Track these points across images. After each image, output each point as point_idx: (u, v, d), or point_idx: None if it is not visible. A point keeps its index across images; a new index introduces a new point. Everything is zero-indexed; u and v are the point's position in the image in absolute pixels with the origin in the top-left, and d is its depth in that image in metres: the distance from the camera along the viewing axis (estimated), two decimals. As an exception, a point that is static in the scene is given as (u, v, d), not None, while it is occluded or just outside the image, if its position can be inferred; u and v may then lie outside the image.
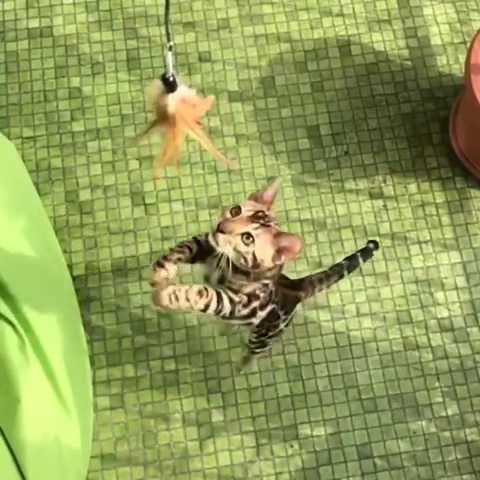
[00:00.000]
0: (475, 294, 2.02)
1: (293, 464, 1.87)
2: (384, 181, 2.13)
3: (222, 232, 1.23)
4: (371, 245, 1.72)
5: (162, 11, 0.89)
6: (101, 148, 2.12)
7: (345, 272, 1.64)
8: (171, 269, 1.32)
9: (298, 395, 1.92)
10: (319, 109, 2.19)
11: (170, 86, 0.95)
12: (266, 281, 1.35)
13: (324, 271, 1.64)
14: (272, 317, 1.47)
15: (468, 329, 1.99)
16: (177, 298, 1.25)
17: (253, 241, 1.24)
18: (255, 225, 1.25)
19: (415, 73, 2.24)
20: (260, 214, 1.28)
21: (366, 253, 1.70)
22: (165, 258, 1.33)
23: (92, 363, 1.90)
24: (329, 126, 2.17)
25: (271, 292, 1.40)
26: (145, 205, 2.07)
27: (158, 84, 0.97)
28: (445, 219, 2.09)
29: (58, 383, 1.44)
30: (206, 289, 1.29)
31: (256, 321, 1.43)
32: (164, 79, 0.94)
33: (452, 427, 1.91)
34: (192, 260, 1.38)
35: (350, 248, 2.04)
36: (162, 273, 1.31)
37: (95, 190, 2.08)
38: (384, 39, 2.28)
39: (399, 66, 2.25)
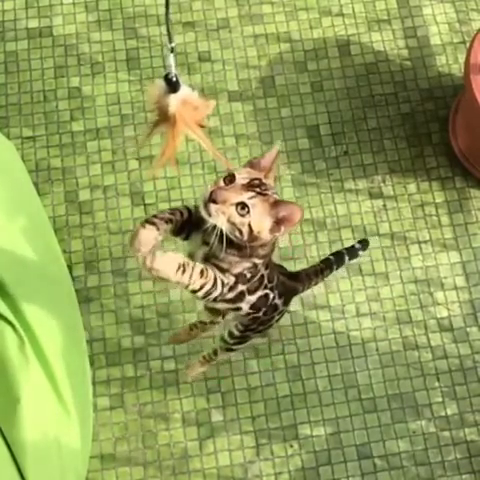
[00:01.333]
0: (474, 294, 2.02)
1: (293, 464, 1.87)
2: (383, 181, 2.13)
3: (214, 202, 1.13)
4: (357, 245, 1.72)
5: (162, 11, 0.90)
6: (101, 148, 2.12)
7: (334, 267, 1.64)
8: (162, 229, 1.18)
9: (298, 395, 1.92)
10: (319, 109, 2.19)
11: (172, 86, 0.95)
12: (257, 261, 1.25)
13: (317, 265, 1.63)
14: (270, 309, 1.40)
15: (467, 329, 1.99)
16: (184, 272, 1.15)
17: (248, 212, 1.14)
18: (251, 194, 1.15)
19: (414, 73, 2.24)
20: (256, 182, 1.18)
21: (352, 253, 1.70)
22: (155, 216, 1.20)
23: (92, 363, 1.90)
24: (329, 126, 2.17)
25: (262, 276, 1.31)
26: (145, 205, 2.07)
27: (160, 84, 0.97)
28: (444, 219, 2.09)
29: (58, 383, 1.43)
30: (206, 269, 1.19)
31: (245, 307, 1.33)
32: (167, 79, 0.94)
33: (451, 427, 1.91)
34: (178, 231, 1.26)
35: (350, 248, 2.05)
36: (152, 233, 1.17)
37: (95, 190, 2.08)
38: (383, 39, 2.28)
39: (398, 66, 2.25)
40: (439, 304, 2.01)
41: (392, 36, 2.28)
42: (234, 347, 1.58)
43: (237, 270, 1.24)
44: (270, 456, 1.88)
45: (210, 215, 1.14)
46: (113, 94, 2.18)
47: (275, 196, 1.19)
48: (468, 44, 1.98)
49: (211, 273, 1.21)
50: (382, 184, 2.12)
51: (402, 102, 2.21)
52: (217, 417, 1.90)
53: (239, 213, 1.14)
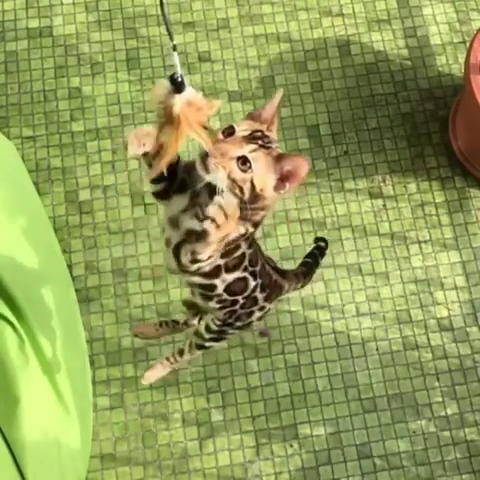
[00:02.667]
0: (474, 294, 2.02)
1: (293, 464, 1.87)
2: (383, 181, 2.13)
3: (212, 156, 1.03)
4: (323, 244, 1.68)
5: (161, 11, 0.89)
6: (101, 148, 2.12)
7: (314, 269, 1.60)
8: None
9: (298, 395, 1.92)
10: (319, 109, 2.19)
11: (177, 87, 0.94)
12: (251, 229, 1.15)
13: (301, 267, 1.59)
14: (249, 301, 1.31)
15: (467, 329, 1.99)
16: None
17: (250, 167, 1.04)
18: (252, 147, 1.05)
19: (414, 73, 2.24)
20: (258, 134, 1.08)
21: (322, 253, 1.67)
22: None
23: (92, 363, 1.90)
24: (328, 126, 2.17)
25: (243, 255, 1.21)
26: (145, 205, 2.07)
27: (165, 84, 0.96)
28: (444, 219, 2.09)
29: (58, 383, 1.44)
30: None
31: (220, 286, 1.23)
32: (172, 79, 0.93)
33: (451, 427, 1.91)
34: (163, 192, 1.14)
35: (350, 248, 2.04)
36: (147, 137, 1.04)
37: (95, 190, 2.08)
38: (383, 39, 2.28)
39: (398, 66, 2.25)
40: (439, 304, 2.01)
41: (392, 36, 2.28)
42: (207, 344, 1.48)
43: (229, 236, 1.13)
44: (270, 456, 1.88)
45: (208, 171, 1.03)
46: (113, 94, 2.18)
47: (278, 150, 1.10)
48: (468, 44, 1.98)
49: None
50: (382, 184, 2.12)
51: (402, 102, 2.21)
52: (217, 417, 1.90)
53: (240, 168, 1.04)
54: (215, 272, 1.20)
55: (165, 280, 1.98)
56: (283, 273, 1.46)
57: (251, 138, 1.07)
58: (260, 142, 1.06)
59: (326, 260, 2.01)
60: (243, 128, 1.08)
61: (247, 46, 2.25)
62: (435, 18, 2.30)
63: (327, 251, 1.71)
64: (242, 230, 1.13)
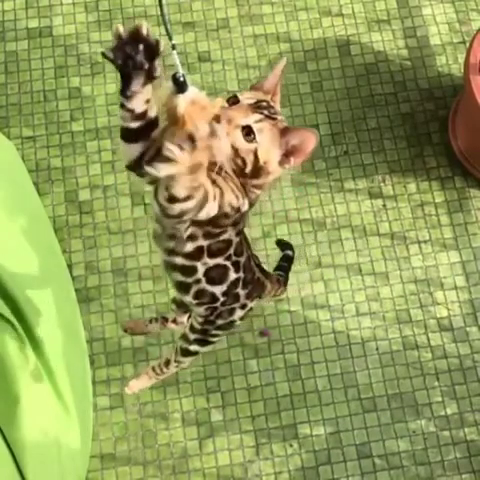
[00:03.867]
0: (474, 293, 2.02)
1: (292, 463, 1.87)
2: (383, 181, 2.13)
3: (218, 121, 0.98)
4: (290, 253, 1.64)
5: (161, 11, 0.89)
6: (100, 148, 2.13)
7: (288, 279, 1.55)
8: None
9: (297, 394, 1.93)
10: (318, 109, 2.19)
11: (180, 87, 0.94)
12: (245, 207, 1.08)
13: (278, 274, 1.54)
14: (230, 297, 1.24)
15: (467, 328, 1.99)
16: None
17: (255, 138, 0.99)
18: (258, 116, 1.00)
19: (414, 73, 2.24)
20: (263, 104, 1.03)
21: (292, 261, 1.63)
22: None
23: (92, 363, 1.90)
24: (328, 126, 2.17)
25: (229, 242, 1.15)
26: (145, 205, 2.07)
27: (167, 85, 0.95)
28: (444, 219, 2.09)
29: (58, 383, 1.44)
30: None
31: (200, 269, 1.16)
32: (174, 79, 0.93)
33: (451, 426, 1.91)
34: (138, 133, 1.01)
35: (349, 248, 2.04)
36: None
37: (95, 190, 2.08)
38: (383, 39, 2.28)
39: (398, 66, 2.25)
40: (439, 304, 2.01)
41: (392, 36, 2.28)
42: (192, 347, 1.41)
43: (230, 197, 1.06)
44: (270, 455, 1.88)
45: (215, 135, 0.97)
46: (113, 94, 2.18)
47: (284, 123, 1.04)
48: (468, 44, 1.98)
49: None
50: (382, 184, 2.13)
51: (402, 102, 2.21)
52: (217, 417, 1.90)
53: (245, 139, 0.99)
54: (197, 253, 1.13)
55: (165, 280, 1.98)
56: (266, 273, 1.41)
57: (257, 107, 1.02)
58: (266, 112, 1.02)
59: (326, 260, 2.02)
60: (248, 96, 1.03)
61: (247, 46, 2.25)
62: (435, 18, 2.30)
63: (296, 255, 1.66)
64: (235, 202, 1.06)
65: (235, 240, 1.17)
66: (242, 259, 1.21)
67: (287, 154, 1.03)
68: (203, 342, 1.40)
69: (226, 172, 1.02)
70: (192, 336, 1.39)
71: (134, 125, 0.99)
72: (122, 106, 0.98)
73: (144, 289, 1.98)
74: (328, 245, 2.05)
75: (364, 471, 1.87)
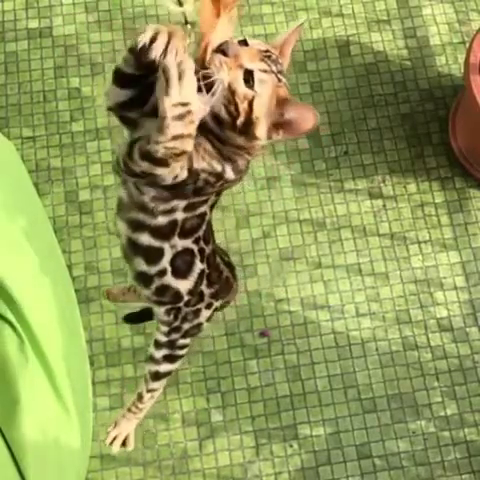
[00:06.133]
0: (474, 294, 2.02)
1: (292, 464, 1.87)
2: (383, 181, 2.13)
3: (224, 54, 0.88)
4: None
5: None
6: (100, 148, 2.13)
7: None
8: None
9: (297, 395, 1.93)
10: (318, 109, 2.16)
11: None
12: (228, 174, 0.98)
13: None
14: (194, 297, 1.15)
15: (467, 329, 1.99)
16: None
17: (253, 86, 0.90)
18: (264, 66, 0.91)
19: (414, 73, 2.24)
20: (273, 56, 0.93)
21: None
22: None
23: (91, 363, 1.90)
24: (328, 126, 2.17)
25: (202, 219, 1.05)
26: (144, 205, 2.07)
27: None
28: (444, 219, 2.09)
29: (58, 383, 1.43)
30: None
31: (167, 254, 1.06)
32: None
33: (451, 427, 1.91)
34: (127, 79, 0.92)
35: (349, 248, 2.04)
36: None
37: (95, 190, 2.08)
38: (383, 39, 2.28)
39: (398, 66, 2.25)
40: (439, 304, 2.01)
41: (392, 36, 2.28)
42: (162, 368, 1.30)
43: (200, 164, 0.94)
44: (270, 456, 1.88)
45: (211, 66, 0.88)
46: (113, 94, 2.18)
47: (286, 91, 0.95)
48: (468, 44, 1.98)
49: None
50: (382, 184, 2.13)
51: (402, 102, 2.21)
52: (217, 417, 1.90)
53: (246, 83, 0.89)
54: (170, 229, 1.03)
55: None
56: (234, 273, 1.30)
57: (266, 56, 0.92)
58: (273, 68, 0.92)
59: (326, 260, 2.02)
60: (258, 43, 0.94)
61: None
62: (435, 18, 2.30)
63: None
64: (218, 167, 0.96)
65: (207, 217, 1.06)
66: (207, 250, 1.11)
67: (277, 125, 0.94)
68: (172, 358, 1.29)
69: (198, 135, 0.90)
70: (159, 354, 1.29)
71: (135, 72, 0.91)
72: (131, 50, 0.88)
73: (144, 289, 1.98)
74: (328, 245, 2.05)
75: (364, 471, 1.87)
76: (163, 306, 1.18)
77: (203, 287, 1.14)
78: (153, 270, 1.08)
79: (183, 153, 0.88)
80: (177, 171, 0.91)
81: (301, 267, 2.00)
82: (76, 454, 1.60)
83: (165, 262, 1.07)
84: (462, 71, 1.99)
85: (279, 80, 0.93)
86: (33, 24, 2.25)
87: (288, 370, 1.94)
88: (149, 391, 1.38)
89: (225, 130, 0.93)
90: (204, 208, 1.04)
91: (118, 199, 1.05)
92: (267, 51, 0.93)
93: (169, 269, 1.08)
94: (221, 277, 1.20)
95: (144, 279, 1.11)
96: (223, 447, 1.88)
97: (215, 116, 0.92)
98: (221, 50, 0.89)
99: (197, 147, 0.92)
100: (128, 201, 1.02)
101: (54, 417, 1.44)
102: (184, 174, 0.93)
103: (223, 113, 0.91)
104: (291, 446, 1.89)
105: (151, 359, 1.32)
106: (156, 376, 1.34)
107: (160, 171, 0.90)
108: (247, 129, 0.92)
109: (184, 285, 1.12)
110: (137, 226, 1.03)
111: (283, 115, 0.93)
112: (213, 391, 1.92)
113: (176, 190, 0.96)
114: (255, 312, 1.98)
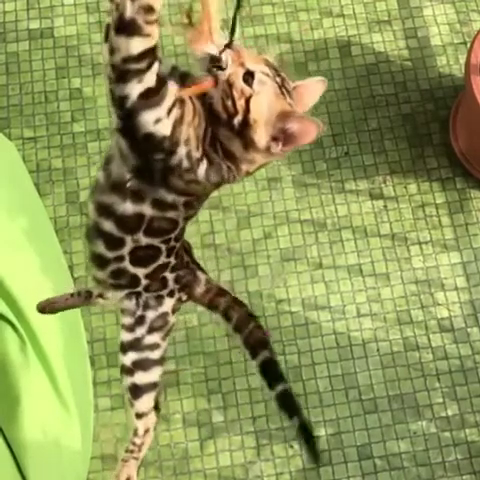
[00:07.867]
0: (475, 294, 2.02)
1: (294, 465, 1.87)
2: (384, 182, 2.13)
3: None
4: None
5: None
6: (102, 149, 2.13)
7: None
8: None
9: (298, 396, 1.91)
10: (319, 110, 2.19)
11: None
12: (212, 178, 0.92)
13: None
14: (156, 281, 1.07)
15: (468, 329, 1.99)
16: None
17: (252, 85, 0.88)
18: (267, 70, 0.90)
19: (415, 74, 2.24)
20: (279, 72, 0.92)
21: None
22: None
23: (92, 364, 1.90)
24: (329, 127, 2.17)
25: (175, 225, 1.00)
26: (145, 206, 2.07)
27: None
28: (445, 220, 2.09)
29: (58, 383, 1.44)
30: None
31: (128, 244, 1.00)
32: None
33: (452, 427, 1.91)
34: None
35: (350, 249, 2.04)
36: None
37: (96, 191, 2.08)
38: (384, 40, 2.28)
39: (399, 67, 2.25)
40: (440, 305, 2.01)
41: (393, 37, 2.28)
42: (137, 379, 1.13)
43: (183, 135, 0.89)
44: (271, 456, 1.88)
45: (221, 60, 0.90)
46: (114, 95, 2.18)
47: (291, 102, 0.92)
48: (469, 45, 1.98)
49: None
50: (383, 185, 2.13)
51: (403, 103, 2.21)
52: (218, 418, 1.90)
53: (245, 81, 0.88)
54: (136, 224, 0.97)
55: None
56: (202, 270, 1.19)
57: (269, 64, 0.91)
58: (278, 79, 0.90)
59: (327, 261, 2.02)
60: (268, 56, 0.93)
61: (247, 47, 2.25)
62: (436, 19, 2.30)
63: None
64: (196, 154, 0.90)
65: (180, 225, 1.01)
66: (178, 245, 1.05)
67: (277, 138, 0.91)
68: (144, 363, 1.14)
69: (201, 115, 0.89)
70: (128, 359, 1.13)
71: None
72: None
73: (145, 290, 1.98)
74: (329, 246, 2.05)
75: (365, 472, 1.87)
76: (120, 290, 1.10)
77: (166, 273, 1.07)
78: (110, 254, 1.03)
79: (151, 10, 0.82)
80: (155, 40, 0.84)
81: (302, 268, 2.00)
82: (77, 454, 1.60)
83: (124, 251, 1.02)
84: (463, 72, 1.99)
85: (282, 93, 0.90)
86: (34, 25, 2.26)
87: (289, 371, 1.94)
88: (138, 416, 1.17)
89: (223, 128, 0.89)
90: (174, 214, 0.98)
91: (95, 181, 0.99)
92: (271, 63, 0.92)
93: (127, 258, 1.02)
94: (183, 262, 1.12)
95: (100, 261, 1.05)
96: (224, 448, 1.88)
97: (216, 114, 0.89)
98: (228, 45, 0.89)
99: (194, 117, 0.88)
100: (104, 182, 0.97)
101: (55, 417, 1.44)
102: (169, 122, 0.87)
103: (220, 108, 0.88)
104: (292, 447, 1.89)
105: (123, 370, 1.15)
106: (135, 391, 1.15)
107: (137, 43, 0.82)
108: (244, 131, 0.88)
109: (142, 271, 1.06)
110: (104, 211, 0.98)
111: (285, 125, 0.90)
112: (214, 392, 1.92)
113: (149, 143, 0.88)
114: (256, 313, 1.97)
